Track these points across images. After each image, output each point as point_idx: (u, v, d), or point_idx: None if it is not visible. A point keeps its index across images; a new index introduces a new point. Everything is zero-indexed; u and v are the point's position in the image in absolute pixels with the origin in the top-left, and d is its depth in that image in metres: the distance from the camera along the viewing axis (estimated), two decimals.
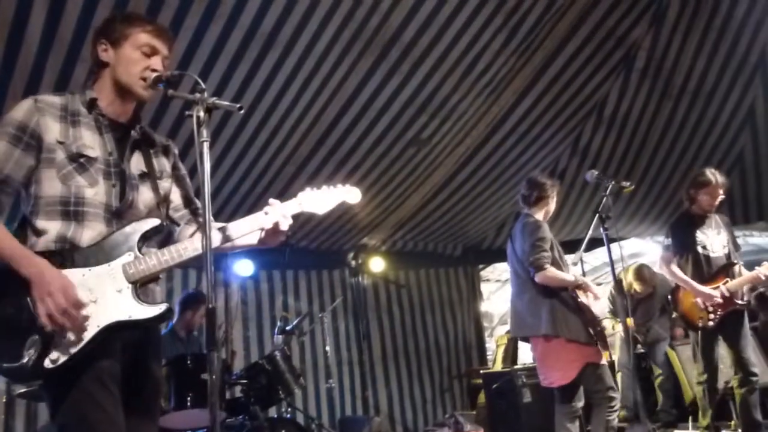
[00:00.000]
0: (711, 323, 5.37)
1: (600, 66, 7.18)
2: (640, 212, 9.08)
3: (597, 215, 4.70)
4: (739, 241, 11.48)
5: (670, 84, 7.53)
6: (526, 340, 5.27)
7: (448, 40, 5.94)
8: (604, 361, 4.61)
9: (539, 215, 4.98)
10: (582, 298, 4.69)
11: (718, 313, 5.34)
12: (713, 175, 5.56)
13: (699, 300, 5.41)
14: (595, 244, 6.58)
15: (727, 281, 5.38)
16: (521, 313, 4.91)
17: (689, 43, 7.14)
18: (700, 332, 5.49)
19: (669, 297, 5.80)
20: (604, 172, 6.05)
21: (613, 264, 4.82)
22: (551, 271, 4.63)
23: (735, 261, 5.52)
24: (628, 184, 5.02)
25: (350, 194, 2.86)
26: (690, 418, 6.50)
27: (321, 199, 2.77)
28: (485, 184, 8.31)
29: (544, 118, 7.54)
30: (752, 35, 7.00)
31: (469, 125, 7.22)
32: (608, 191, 4.84)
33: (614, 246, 4.74)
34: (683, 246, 5.59)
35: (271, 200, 2.62)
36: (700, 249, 5.51)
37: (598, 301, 4.88)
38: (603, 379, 4.55)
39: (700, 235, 5.54)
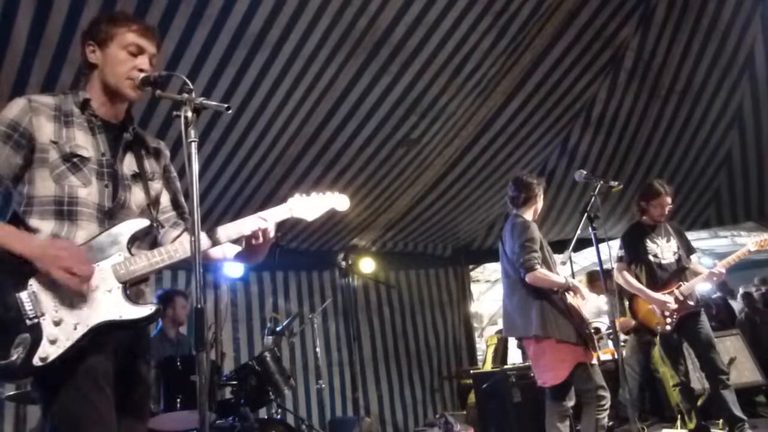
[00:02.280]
0: (669, 327, 5.54)
1: (588, 67, 7.21)
2: (629, 212, 9.08)
3: (585, 215, 4.72)
4: (727, 241, 11.58)
5: (658, 84, 7.56)
6: (519, 340, 5.30)
7: (436, 40, 5.96)
8: (594, 360, 4.63)
9: (528, 215, 5.00)
10: (571, 299, 4.70)
11: (674, 317, 5.51)
12: (662, 186, 5.78)
13: (654, 307, 5.57)
14: (584, 244, 6.62)
15: (680, 285, 5.56)
16: (512, 314, 4.92)
17: (677, 43, 7.17)
18: (660, 338, 5.67)
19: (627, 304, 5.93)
20: (592, 173, 6.09)
21: (602, 264, 4.84)
22: (541, 271, 4.64)
23: (686, 266, 5.69)
24: (617, 183, 5.07)
25: (339, 201, 2.90)
26: (678, 418, 6.51)
27: (310, 206, 2.80)
28: (475, 185, 8.33)
29: (532, 119, 7.57)
30: (739, 35, 7.03)
31: (459, 126, 7.24)
32: (597, 191, 4.88)
33: (603, 246, 4.76)
34: (635, 255, 5.81)
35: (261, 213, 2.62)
36: (651, 257, 5.72)
37: (588, 303, 4.90)
38: (593, 378, 4.57)
39: (651, 244, 5.75)
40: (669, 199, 5.73)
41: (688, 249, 5.84)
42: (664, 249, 5.72)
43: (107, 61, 2.49)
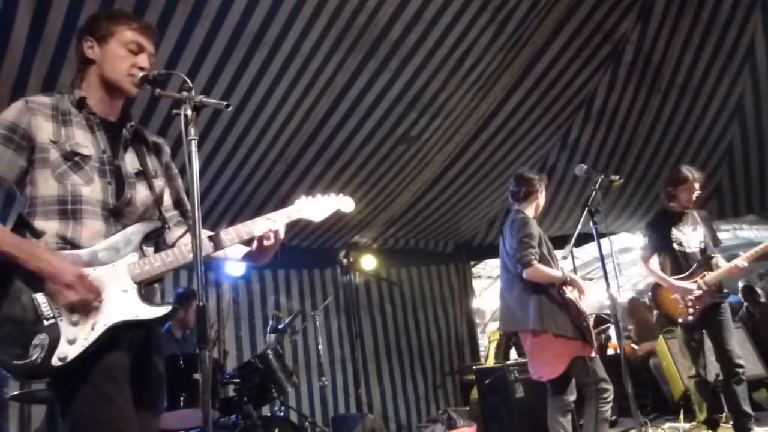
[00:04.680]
0: (691, 318, 5.46)
1: (588, 61, 7.20)
2: (630, 206, 9.12)
3: (586, 209, 4.70)
4: (729, 234, 11.59)
5: (658, 78, 7.55)
6: (515, 334, 5.30)
7: (435, 37, 5.95)
8: (593, 353, 4.63)
9: (529, 210, 5.01)
10: (569, 293, 4.70)
11: (697, 307, 5.43)
12: (689, 171, 5.68)
13: (677, 295, 5.51)
14: (585, 239, 6.61)
15: (705, 275, 5.47)
16: (510, 308, 4.92)
17: (677, 36, 7.17)
18: (681, 327, 5.61)
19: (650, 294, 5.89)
20: (593, 167, 6.07)
21: (603, 259, 4.82)
22: (538, 267, 4.65)
23: (712, 255, 5.61)
24: (618, 177, 5.04)
25: (345, 203, 2.97)
26: (681, 412, 6.51)
27: (317, 207, 2.86)
28: (475, 181, 8.33)
29: (532, 114, 7.56)
30: (740, 28, 7.03)
31: (459, 122, 7.24)
32: (597, 185, 4.85)
33: (604, 241, 4.75)
34: (660, 244, 5.71)
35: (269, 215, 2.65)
36: (676, 246, 5.62)
37: (586, 297, 4.89)
38: (593, 371, 4.57)
39: (676, 232, 5.65)
40: (697, 184, 5.64)
41: (714, 240, 5.74)
42: (690, 237, 5.61)
43: (106, 57, 2.49)
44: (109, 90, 2.52)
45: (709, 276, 5.45)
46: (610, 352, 8.08)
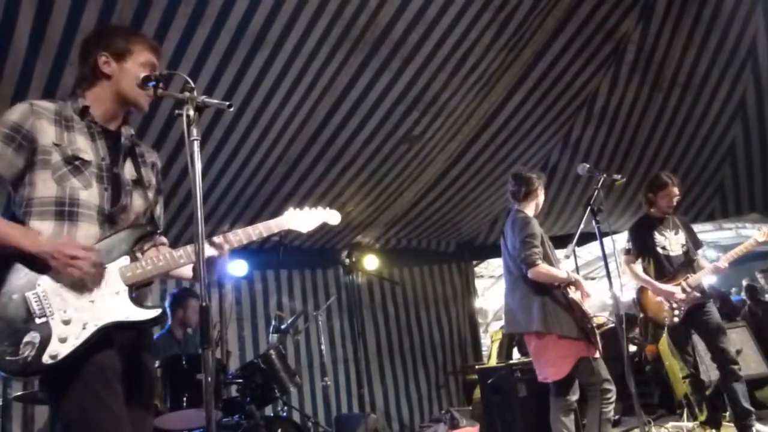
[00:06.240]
0: (676, 319, 5.57)
1: (590, 60, 7.20)
2: (633, 206, 9.10)
3: (589, 209, 4.71)
4: (731, 233, 11.55)
5: (660, 77, 7.55)
6: (520, 334, 5.30)
7: (437, 36, 5.95)
8: (597, 354, 4.63)
9: (529, 210, 5.00)
10: (572, 294, 4.70)
11: (682, 309, 5.54)
12: (669, 177, 5.80)
13: (662, 298, 5.60)
14: (587, 238, 6.61)
15: (688, 277, 5.58)
16: (513, 309, 4.92)
17: (679, 35, 7.16)
18: (667, 329, 5.70)
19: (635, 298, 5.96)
20: (595, 166, 6.07)
21: (606, 258, 4.82)
22: (543, 267, 4.63)
23: (694, 258, 5.72)
24: (620, 176, 5.05)
25: (331, 216, 3.09)
26: (685, 411, 6.50)
27: (305, 219, 2.97)
28: (477, 180, 8.33)
29: (534, 113, 7.56)
30: (742, 27, 7.03)
31: (461, 121, 7.23)
32: (600, 184, 4.86)
33: (607, 240, 4.75)
34: (643, 248, 5.83)
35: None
36: (659, 249, 5.73)
37: (590, 300, 4.89)
38: (597, 372, 4.56)
39: (659, 236, 5.76)
40: (676, 190, 5.74)
41: (696, 242, 5.85)
42: (672, 241, 5.72)
43: (125, 75, 2.55)
44: (122, 104, 2.59)
45: (692, 278, 5.57)
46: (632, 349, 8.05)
